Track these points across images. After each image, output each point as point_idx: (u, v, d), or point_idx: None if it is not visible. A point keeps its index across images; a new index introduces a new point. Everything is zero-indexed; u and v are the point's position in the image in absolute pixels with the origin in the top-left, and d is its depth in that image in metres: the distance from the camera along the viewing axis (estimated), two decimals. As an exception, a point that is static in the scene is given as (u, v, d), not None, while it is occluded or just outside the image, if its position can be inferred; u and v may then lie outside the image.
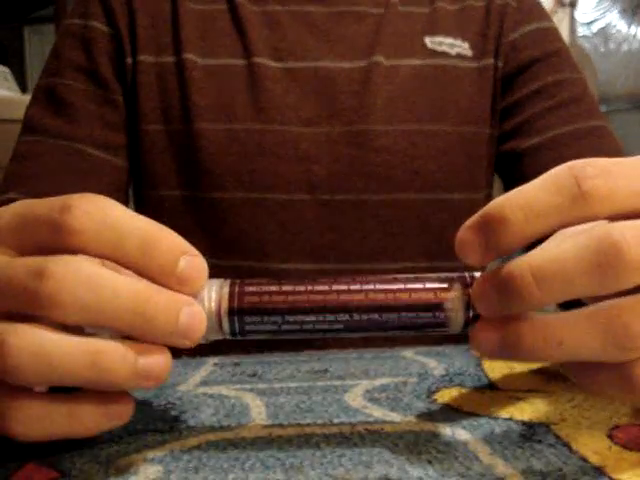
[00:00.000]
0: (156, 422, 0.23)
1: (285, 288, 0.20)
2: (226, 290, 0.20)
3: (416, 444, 0.20)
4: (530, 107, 0.47)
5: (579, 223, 0.18)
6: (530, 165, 0.47)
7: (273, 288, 0.20)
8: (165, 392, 0.27)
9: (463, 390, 0.26)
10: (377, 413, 0.23)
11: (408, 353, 0.32)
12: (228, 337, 0.20)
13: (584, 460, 0.19)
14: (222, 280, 0.20)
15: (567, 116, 0.47)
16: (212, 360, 0.32)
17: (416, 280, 0.20)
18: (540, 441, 0.20)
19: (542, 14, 0.50)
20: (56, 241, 0.18)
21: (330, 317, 0.19)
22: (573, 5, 2.31)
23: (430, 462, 0.19)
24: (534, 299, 0.17)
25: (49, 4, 2.53)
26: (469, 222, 0.19)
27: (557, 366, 0.21)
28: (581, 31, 3.13)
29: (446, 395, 0.25)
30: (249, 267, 0.44)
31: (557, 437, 0.21)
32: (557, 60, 0.48)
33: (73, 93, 0.46)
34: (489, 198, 0.51)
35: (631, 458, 0.19)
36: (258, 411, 0.24)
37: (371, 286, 0.20)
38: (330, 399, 0.25)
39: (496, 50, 0.48)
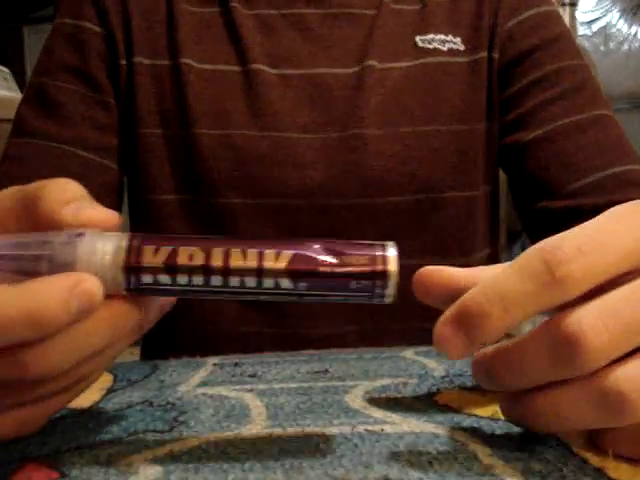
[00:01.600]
0: (156, 422, 0.23)
1: (184, 249, 0.19)
2: (124, 245, 0.19)
3: (416, 445, 0.20)
4: (531, 98, 0.46)
5: (556, 306, 0.18)
6: (533, 158, 0.46)
7: (173, 248, 0.19)
8: (165, 392, 0.27)
9: (463, 391, 0.26)
10: (377, 414, 0.23)
11: (408, 354, 0.32)
12: (124, 292, 0.19)
13: (584, 461, 0.19)
14: (122, 234, 0.20)
15: (569, 106, 0.46)
16: (212, 360, 0.32)
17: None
18: (540, 442, 0.20)
19: None
20: None
21: (234, 281, 0.19)
22: (574, 4, 2.31)
23: (430, 463, 0.19)
24: (510, 383, 0.19)
25: (49, 4, 2.53)
26: (446, 317, 0.19)
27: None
28: (581, 30, 3.13)
29: (446, 396, 0.25)
30: None
31: (557, 439, 0.21)
32: (557, 47, 0.47)
33: (64, 94, 0.46)
34: (493, 194, 0.50)
35: (631, 460, 0.19)
36: (258, 412, 0.24)
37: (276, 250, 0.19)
38: (330, 400, 0.25)
39: (490, 42, 0.47)
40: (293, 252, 0.19)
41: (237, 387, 0.27)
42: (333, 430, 0.22)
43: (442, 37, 0.47)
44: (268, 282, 0.19)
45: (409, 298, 0.50)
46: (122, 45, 0.46)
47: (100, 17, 0.47)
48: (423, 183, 0.45)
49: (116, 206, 0.48)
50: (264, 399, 0.25)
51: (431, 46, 0.47)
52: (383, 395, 0.25)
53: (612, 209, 0.19)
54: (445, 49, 0.47)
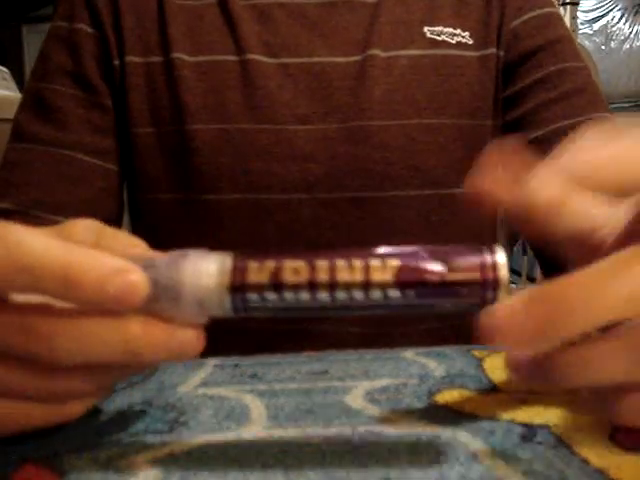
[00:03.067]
0: (156, 423, 0.23)
1: (289, 264, 0.18)
2: (228, 266, 0.19)
3: (416, 445, 0.20)
4: (533, 98, 0.46)
5: None
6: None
7: (277, 264, 0.18)
8: (165, 393, 0.27)
9: (464, 392, 0.26)
10: (377, 414, 0.23)
11: (408, 354, 0.32)
12: (230, 314, 0.19)
13: (585, 462, 0.19)
14: (224, 254, 0.19)
15: (570, 108, 0.46)
16: (212, 361, 0.32)
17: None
18: (541, 443, 0.20)
19: (545, 0, 0.49)
20: None
21: (341, 294, 0.18)
22: (575, 3, 2.31)
23: (430, 463, 0.19)
24: (569, 326, 0.17)
25: (48, 3, 2.52)
26: (516, 305, 0.17)
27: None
28: (582, 29, 3.13)
29: (447, 396, 0.25)
30: None
31: (558, 439, 0.20)
32: (560, 48, 0.47)
33: (61, 98, 0.46)
34: None
35: (633, 461, 0.19)
36: (258, 412, 0.24)
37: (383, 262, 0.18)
38: (330, 400, 0.25)
39: (498, 39, 0.47)
40: (400, 262, 0.18)
41: (237, 388, 0.27)
42: (333, 430, 0.22)
43: (451, 30, 0.46)
44: (376, 294, 0.18)
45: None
46: (114, 45, 0.46)
47: (93, 19, 0.47)
48: (428, 178, 0.44)
49: (118, 208, 0.48)
50: (264, 400, 0.25)
51: (440, 38, 0.46)
52: (383, 395, 0.25)
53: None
54: (454, 42, 0.46)
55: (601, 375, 0.18)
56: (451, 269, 0.18)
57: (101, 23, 0.46)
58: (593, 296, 0.16)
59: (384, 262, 0.18)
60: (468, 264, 0.18)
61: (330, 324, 0.44)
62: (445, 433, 0.21)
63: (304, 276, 0.18)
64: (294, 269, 0.18)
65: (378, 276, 0.18)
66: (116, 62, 0.46)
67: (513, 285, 2.58)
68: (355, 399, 0.25)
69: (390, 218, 0.44)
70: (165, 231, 0.46)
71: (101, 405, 0.25)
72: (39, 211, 0.44)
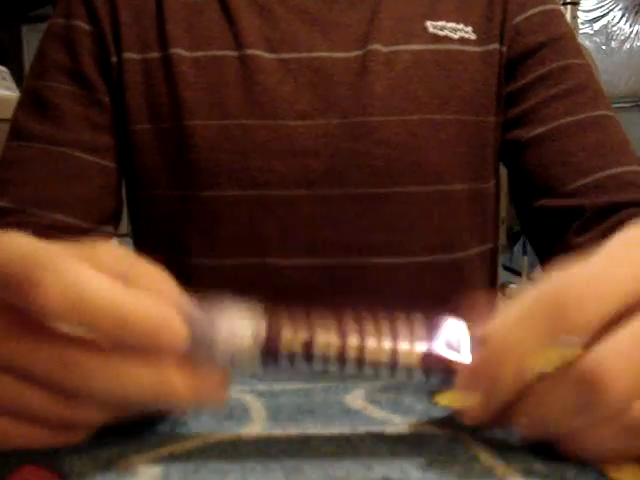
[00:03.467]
0: (156, 423, 0.23)
1: (321, 338, 0.19)
2: (262, 332, 0.19)
3: (416, 445, 0.20)
4: (534, 95, 0.46)
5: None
6: (533, 156, 0.46)
7: (309, 335, 0.19)
8: (165, 393, 0.27)
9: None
10: (378, 415, 0.23)
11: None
12: (259, 373, 0.20)
13: (585, 462, 0.19)
14: (258, 315, 0.20)
15: (572, 105, 0.45)
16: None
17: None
18: (540, 443, 0.20)
19: None
20: (25, 308, 0.18)
21: (368, 371, 0.20)
22: (575, 3, 2.31)
23: (430, 463, 0.19)
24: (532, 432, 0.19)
25: (47, 3, 2.52)
26: (461, 384, 0.20)
27: None
28: (583, 29, 3.13)
29: (447, 397, 0.25)
30: (247, 265, 0.44)
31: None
32: (563, 45, 0.47)
33: (59, 96, 0.45)
34: (496, 188, 0.50)
35: (632, 460, 0.19)
36: (258, 413, 0.24)
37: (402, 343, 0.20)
38: (331, 401, 0.25)
39: (500, 35, 0.46)
40: (425, 350, 0.20)
41: (237, 388, 0.27)
42: (333, 431, 0.22)
43: (453, 25, 0.46)
44: (401, 374, 0.20)
45: (415, 298, 0.50)
46: (112, 42, 0.46)
47: (90, 15, 0.46)
48: (429, 174, 0.44)
49: (117, 206, 0.48)
50: (264, 400, 0.25)
51: (442, 33, 0.45)
52: (383, 395, 0.25)
53: (612, 242, 0.20)
54: (456, 37, 0.45)
55: (600, 451, 0.19)
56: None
57: (98, 20, 0.46)
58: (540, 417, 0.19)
59: (411, 348, 0.20)
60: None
61: None
62: (445, 433, 0.21)
63: (334, 351, 0.19)
64: (326, 344, 0.19)
65: (405, 359, 0.20)
66: (114, 59, 0.46)
67: (513, 285, 2.58)
68: (355, 399, 0.25)
69: (391, 214, 0.44)
70: (164, 228, 0.46)
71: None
72: (37, 209, 0.43)
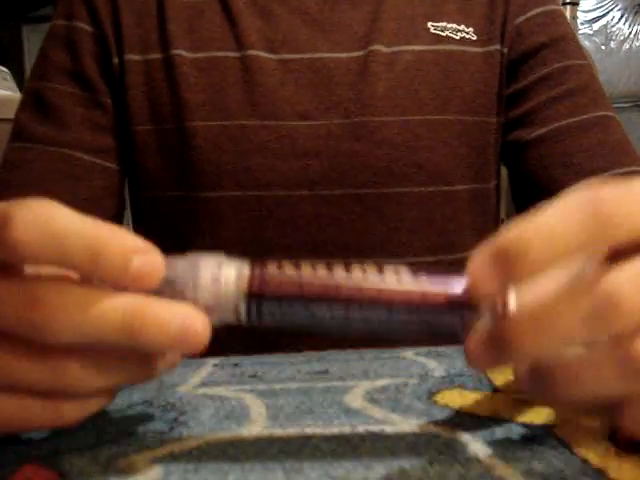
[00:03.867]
0: (156, 423, 0.23)
1: (306, 274, 0.18)
2: (246, 272, 0.19)
3: (416, 445, 0.20)
4: (536, 95, 0.46)
5: (599, 249, 0.17)
6: (535, 157, 0.46)
7: (295, 274, 0.18)
8: (165, 393, 0.27)
9: (464, 391, 0.26)
10: (377, 414, 0.23)
11: (408, 354, 0.32)
12: (243, 322, 0.19)
13: (585, 462, 0.19)
14: (241, 261, 0.19)
15: (573, 106, 0.46)
16: (212, 361, 0.32)
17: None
18: (541, 443, 0.20)
19: None
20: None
21: (359, 311, 0.18)
22: (575, 3, 2.31)
23: (430, 463, 0.19)
24: (532, 352, 0.18)
25: (48, 3, 2.52)
26: (481, 254, 0.17)
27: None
28: (582, 29, 3.13)
29: (447, 396, 0.25)
30: None
31: (558, 439, 0.20)
32: (564, 45, 0.47)
33: (60, 97, 0.46)
34: (497, 188, 0.50)
35: (632, 460, 0.19)
36: (258, 412, 0.24)
37: (395, 281, 0.18)
38: (330, 400, 0.25)
39: (502, 35, 0.46)
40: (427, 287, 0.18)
41: (237, 387, 0.27)
42: (333, 430, 0.22)
43: (455, 26, 0.46)
44: (398, 313, 0.18)
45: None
46: (113, 43, 0.46)
47: (91, 16, 0.46)
48: (431, 174, 0.44)
49: (119, 207, 0.48)
50: (264, 399, 0.25)
51: (444, 33, 0.46)
52: (383, 395, 0.25)
53: None
54: (458, 38, 0.46)
55: (596, 390, 0.18)
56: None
57: (100, 21, 0.46)
58: (545, 327, 0.17)
59: (412, 282, 0.18)
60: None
61: None
62: (445, 433, 0.21)
63: (325, 281, 0.18)
64: (314, 274, 0.18)
65: (406, 294, 0.18)
66: (115, 60, 0.46)
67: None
68: (355, 399, 0.25)
69: (392, 215, 0.44)
70: (166, 229, 0.46)
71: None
72: None
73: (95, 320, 0.18)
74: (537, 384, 0.19)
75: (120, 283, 0.18)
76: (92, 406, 0.20)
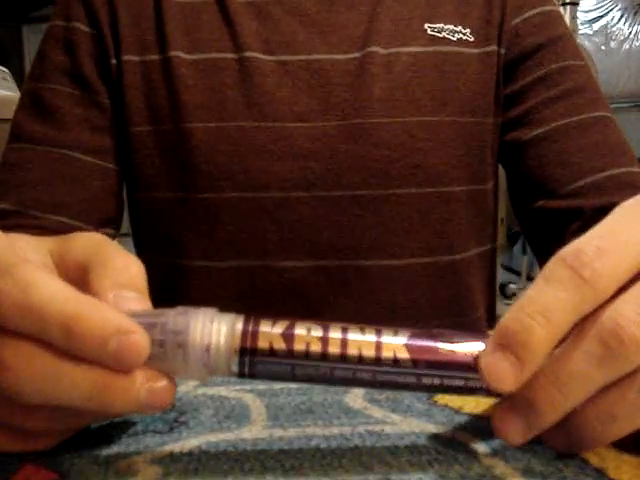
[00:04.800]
0: (156, 423, 0.23)
1: (299, 331, 0.18)
2: (239, 327, 0.18)
3: (416, 445, 0.20)
4: (533, 96, 0.46)
5: (594, 308, 0.18)
6: (533, 157, 0.46)
7: (288, 330, 0.18)
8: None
9: (463, 391, 0.26)
10: (378, 414, 0.23)
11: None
12: (235, 377, 0.19)
13: (584, 461, 0.19)
14: (234, 315, 0.19)
15: (571, 106, 0.46)
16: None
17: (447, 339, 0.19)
18: (540, 443, 0.20)
19: None
20: None
21: (349, 367, 0.18)
22: (575, 3, 2.31)
23: (430, 463, 0.19)
24: (561, 406, 0.18)
25: (48, 3, 2.52)
26: (489, 347, 0.18)
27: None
28: (582, 29, 3.13)
29: (446, 397, 0.25)
30: (247, 267, 0.44)
31: (558, 438, 0.20)
32: (561, 46, 0.47)
33: (58, 97, 0.46)
34: (494, 189, 0.50)
35: (631, 460, 0.19)
36: (258, 412, 0.24)
37: (390, 340, 0.19)
38: (330, 400, 0.25)
39: (499, 36, 0.47)
40: (408, 341, 0.19)
41: (237, 387, 0.27)
42: (333, 430, 0.22)
43: (452, 27, 0.46)
44: (386, 370, 0.18)
45: (414, 300, 0.50)
46: (111, 44, 0.46)
47: (89, 17, 0.46)
48: (428, 175, 0.44)
49: (118, 207, 0.48)
50: (264, 399, 0.25)
51: (441, 35, 0.46)
52: (383, 395, 0.25)
53: (623, 205, 0.20)
54: (455, 39, 0.46)
55: (628, 424, 0.18)
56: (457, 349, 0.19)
57: (98, 22, 0.46)
58: (566, 382, 0.18)
59: (396, 337, 0.19)
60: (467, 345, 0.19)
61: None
62: (445, 433, 0.21)
63: (316, 348, 0.18)
64: (307, 341, 0.18)
65: (390, 349, 0.18)
66: (113, 61, 0.46)
67: (513, 285, 2.58)
68: (355, 399, 0.25)
69: (390, 216, 0.44)
70: (164, 230, 0.46)
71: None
72: (38, 211, 0.44)
73: (63, 391, 0.18)
74: (568, 435, 0.19)
75: (103, 363, 0.18)
76: (60, 438, 0.20)
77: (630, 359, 0.17)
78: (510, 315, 0.18)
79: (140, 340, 0.18)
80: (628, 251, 0.18)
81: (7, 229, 0.49)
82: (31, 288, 0.18)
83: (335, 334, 0.19)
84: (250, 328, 0.18)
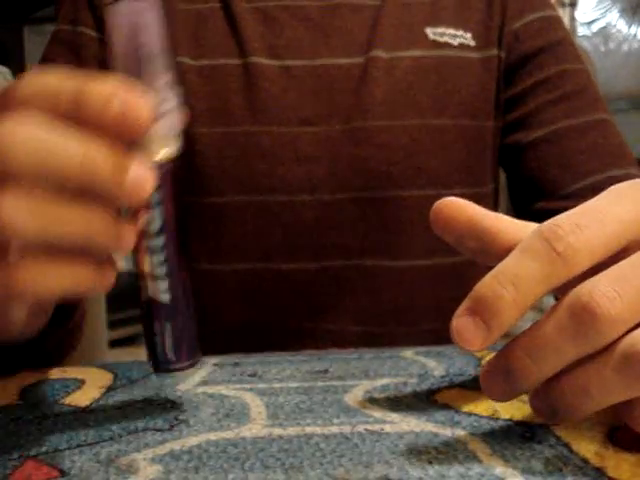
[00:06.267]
0: (156, 421, 0.23)
1: None
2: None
3: (416, 444, 0.20)
4: (533, 99, 0.47)
5: (566, 281, 0.19)
6: (532, 159, 0.46)
7: None
8: (165, 391, 0.27)
9: (463, 391, 0.26)
10: (377, 413, 0.23)
11: (408, 354, 0.32)
12: None
13: (584, 461, 0.19)
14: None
15: (570, 109, 0.46)
16: (212, 360, 0.32)
17: None
18: (540, 442, 0.20)
19: (545, 2, 0.49)
20: (3, 106, 0.19)
21: None
22: (573, 5, 2.31)
23: (430, 462, 0.19)
24: (534, 375, 0.19)
25: (49, 4, 2.52)
26: (461, 309, 0.19)
27: None
28: (581, 31, 3.13)
29: (446, 395, 0.25)
30: (252, 269, 0.44)
31: (557, 438, 0.21)
32: (561, 50, 0.48)
33: None
34: (495, 192, 0.50)
35: (631, 459, 0.19)
36: (258, 411, 0.24)
37: None
38: (330, 399, 0.25)
39: (499, 40, 0.47)
40: None
41: (237, 386, 0.27)
42: (333, 429, 0.22)
43: (453, 31, 0.46)
44: None
45: (416, 301, 0.50)
46: None
47: (97, 22, 0.47)
48: (430, 178, 0.44)
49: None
50: (264, 398, 0.25)
51: (442, 39, 0.46)
52: (383, 394, 0.25)
53: (611, 187, 0.20)
54: (456, 43, 0.46)
55: (602, 399, 0.19)
56: None
57: (105, 27, 0.46)
58: (541, 354, 0.18)
59: None
60: None
61: (331, 322, 0.44)
62: (444, 432, 0.21)
63: None
64: None
65: None
66: None
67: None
68: (355, 398, 0.25)
69: (392, 218, 0.44)
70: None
71: (102, 402, 0.25)
72: None
73: (54, 156, 0.19)
74: (546, 404, 0.20)
75: (103, 123, 0.19)
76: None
77: (603, 334, 0.17)
78: (484, 281, 0.19)
79: (139, 99, 0.19)
80: (605, 229, 0.18)
81: None
82: (51, 74, 0.20)
83: None
84: None
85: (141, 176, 0.19)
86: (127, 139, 0.19)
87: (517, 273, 0.18)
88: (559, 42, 0.48)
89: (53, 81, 0.20)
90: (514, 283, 0.18)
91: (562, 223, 0.19)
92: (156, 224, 0.21)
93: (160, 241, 0.22)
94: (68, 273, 0.20)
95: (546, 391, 0.19)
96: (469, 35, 0.47)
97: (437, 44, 0.46)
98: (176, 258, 0.22)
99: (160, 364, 0.23)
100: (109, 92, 0.19)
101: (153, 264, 0.22)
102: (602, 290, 0.17)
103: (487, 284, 0.19)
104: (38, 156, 0.19)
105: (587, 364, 0.18)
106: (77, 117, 0.19)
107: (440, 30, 0.47)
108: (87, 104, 0.19)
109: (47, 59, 0.48)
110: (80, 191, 0.19)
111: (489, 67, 0.47)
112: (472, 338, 0.19)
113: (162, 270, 0.22)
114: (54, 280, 0.20)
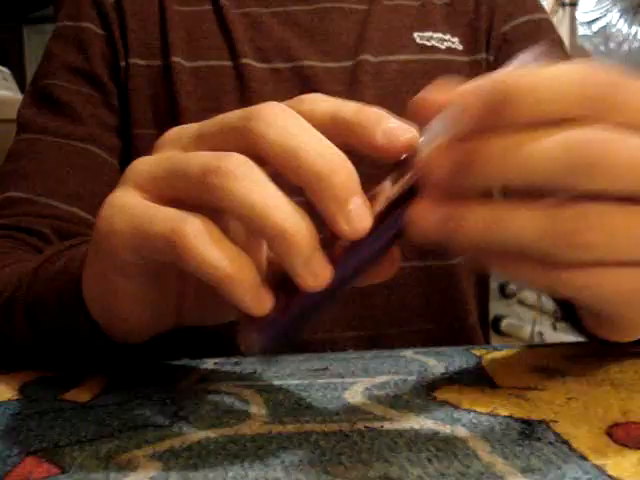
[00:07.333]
0: (156, 417, 0.23)
1: None
2: None
3: (415, 442, 0.20)
4: None
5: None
6: None
7: None
8: (165, 388, 0.27)
9: (463, 388, 0.26)
10: (377, 410, 0.23)
11: (408, 353, 0.32)
12: None
13: (584, 458, 0.19)
14: None
15: None
16: (212, 360, 0.32)
17: None
18: (540, 439, 0.20)
19: (535, 5, 0.50)
20: (239, 146, 0.20)
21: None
22: (573, 4, 2.31)
23: (430, 460, 0.19)
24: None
25: (49, 4, 2.52)
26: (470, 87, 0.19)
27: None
28: (581, 30, 3.13)
29: (446, 393, 0.25)
30: None
31: (557, 435, 0.21)
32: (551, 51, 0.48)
33: (68, 94, 0.46)
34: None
35: (631, 456, 0.19)
36: (258, 408, 0.24)
37: None
38: (330, 396, 0.25)
39: (487, 44, 0.48)
40: None
41: (237, 383, 0.27)
42: (333, 426, 0.22)
43: (440, 36, 0.47)
44: None
45: (408, 301, 0.50)
46: (121, 46, 0.46)
47: (101, 18, 0.47)
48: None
49: None
50: (264, 395, 0.25)
51: (430, 43, 0.47)
52: (382, 392, 0.25)
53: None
54: (443, 47, 0.47)
55: (506, 236, 0.18)
56: None
57: (109, 24, 0.47)
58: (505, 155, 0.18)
59: None
60: None
61: (328, 332, 0.44)
62: (444, 429, 0.21)
63: None
64: None
65: None
66: (122, 63, 0.46)
67: (512, 287, 2.58)
68: (354, 395, 0.25)
69: None
70: None
71: (101, 398, 0.25)
72: (52, 200, 0.43)
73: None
74: (445, 223, 0.20)
75: (331, 214, 0.20)
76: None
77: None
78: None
79: (368, 211, 0.21)
80: (570, 86, 0.18)
81: (17, 217, 0.48)
82: (293, 118, 0.21)
83: None
84: None
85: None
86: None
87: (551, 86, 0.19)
88: (549, 45, 0.48)
89: (303, 137, 0.20)
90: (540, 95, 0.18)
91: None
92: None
93: None
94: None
95: (452, 205, 0.19)
96: (457, 39, 0.47)
97: (425, 48, 0.47)
98: None
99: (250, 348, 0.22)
100: (351, 190, 0.20)
101: None
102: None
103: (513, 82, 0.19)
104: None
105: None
106: (308, 185, 0.20)
107: (428, 34, 0.47)
108: (325, 188, 0.20)
109: (51, 54, 0.48)
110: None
111: (478, 71, 0.47)
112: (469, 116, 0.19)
113: None
114: None
